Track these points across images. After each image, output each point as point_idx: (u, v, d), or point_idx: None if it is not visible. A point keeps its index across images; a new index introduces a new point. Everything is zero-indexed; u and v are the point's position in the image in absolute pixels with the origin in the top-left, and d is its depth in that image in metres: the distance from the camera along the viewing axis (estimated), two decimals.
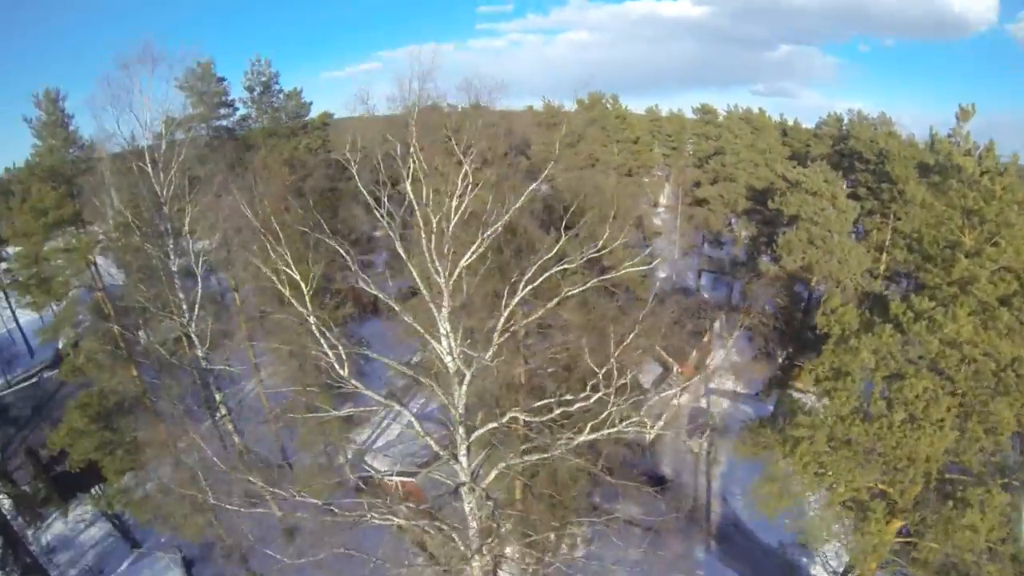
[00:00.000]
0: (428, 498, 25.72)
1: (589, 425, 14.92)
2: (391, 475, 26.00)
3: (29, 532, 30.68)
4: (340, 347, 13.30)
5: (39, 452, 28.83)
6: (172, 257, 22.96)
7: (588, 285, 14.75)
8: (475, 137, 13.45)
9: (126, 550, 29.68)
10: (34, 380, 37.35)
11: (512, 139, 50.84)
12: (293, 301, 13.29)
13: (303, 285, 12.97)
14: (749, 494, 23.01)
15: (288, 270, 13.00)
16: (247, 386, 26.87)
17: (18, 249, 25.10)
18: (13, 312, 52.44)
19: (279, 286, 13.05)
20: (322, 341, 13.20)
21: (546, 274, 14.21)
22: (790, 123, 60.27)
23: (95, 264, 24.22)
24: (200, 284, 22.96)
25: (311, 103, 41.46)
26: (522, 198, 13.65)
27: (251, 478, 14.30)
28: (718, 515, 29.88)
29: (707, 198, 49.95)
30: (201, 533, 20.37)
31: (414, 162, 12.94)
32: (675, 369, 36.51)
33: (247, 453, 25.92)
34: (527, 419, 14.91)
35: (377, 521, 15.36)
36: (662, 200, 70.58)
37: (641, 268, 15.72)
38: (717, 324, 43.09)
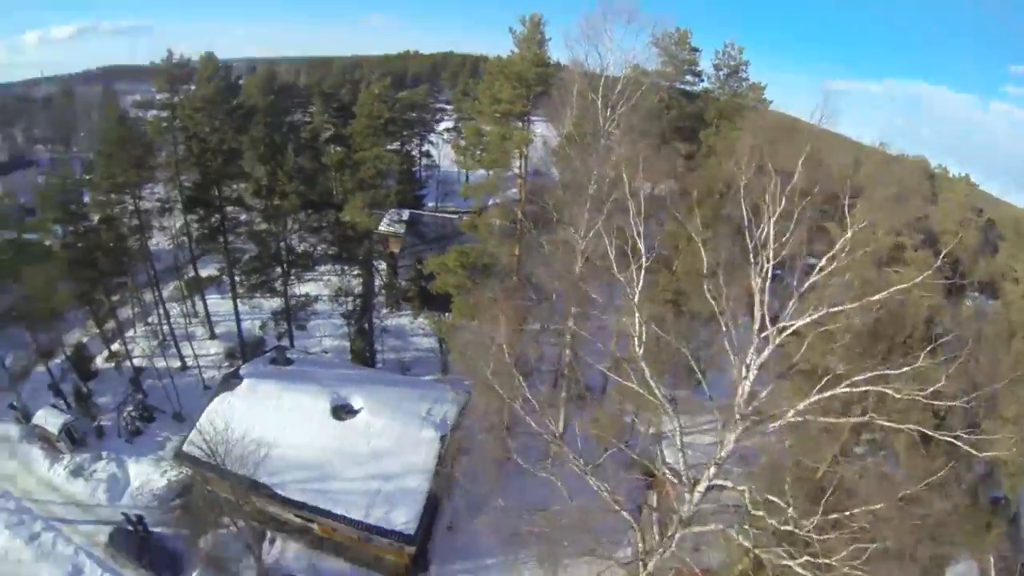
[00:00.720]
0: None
1: None
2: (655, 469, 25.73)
3: (383, 311, 41.14)
4: (645, 328, 13.71)
5: (422, 267, 37.47)
6: (592, 180, 25.78)
7: (906, 427, 11.90)
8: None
9: (434, 368, 37.31)
10: (454, 218, 48.01)
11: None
12: (615, 267, 13.88)
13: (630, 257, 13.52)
14: None
15: (636, 237, 13.66)
16: (608, 317, 28.86)
17: (471, 122, 31.76)
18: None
19: (608, 247, 13.79)
20: (636, 315, 13.83)
21: (862, 388, 11.98)
22: None
23: (526, 156, 28.82)
24: (605, 213, 25.09)
25: (771, 101, 40.16)
26: (883, 293, 11.53)
27: (523, 383, 16.18)
28: None
29: None
30: (484, 395, 23.80)
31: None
32: None
33: (566, 368, 28.79)
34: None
35: (593, 484, 16.19)
36: None
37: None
38: None
